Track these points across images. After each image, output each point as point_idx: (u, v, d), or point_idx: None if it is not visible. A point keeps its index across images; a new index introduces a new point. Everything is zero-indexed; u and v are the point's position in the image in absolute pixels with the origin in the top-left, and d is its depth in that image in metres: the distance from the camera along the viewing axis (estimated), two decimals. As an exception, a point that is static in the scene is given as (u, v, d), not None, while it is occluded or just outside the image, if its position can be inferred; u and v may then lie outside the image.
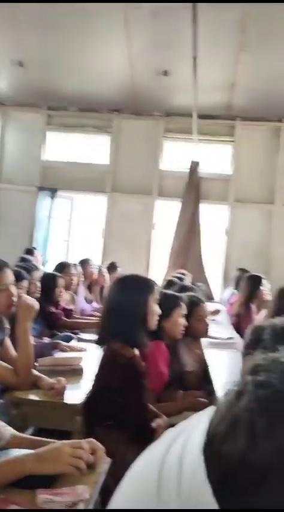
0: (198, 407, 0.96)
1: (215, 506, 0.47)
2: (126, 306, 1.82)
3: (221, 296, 5.98)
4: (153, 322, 1.88)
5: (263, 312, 3.54)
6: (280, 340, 0.56)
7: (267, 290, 3.93)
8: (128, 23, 5.08)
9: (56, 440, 1.16)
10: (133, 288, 1.88)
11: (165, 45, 5.38)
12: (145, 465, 0.93)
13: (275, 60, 5.35)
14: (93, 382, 1.82)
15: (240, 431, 0.43)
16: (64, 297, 3.59)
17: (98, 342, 1.90)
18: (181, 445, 0.94)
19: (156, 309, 1.89)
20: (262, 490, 0.42)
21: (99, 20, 5.07)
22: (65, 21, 5.11)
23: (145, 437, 1.52)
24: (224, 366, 2.58)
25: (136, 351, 1.83)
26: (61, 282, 3.41)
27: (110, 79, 6.05)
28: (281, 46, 5.14)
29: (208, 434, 0.48)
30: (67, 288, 3.78)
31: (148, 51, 5.55)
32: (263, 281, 3.98)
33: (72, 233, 7.13)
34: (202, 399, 2.16)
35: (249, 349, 0.93)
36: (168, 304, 2.21)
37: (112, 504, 0.89)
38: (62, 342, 2.73)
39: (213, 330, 3.16)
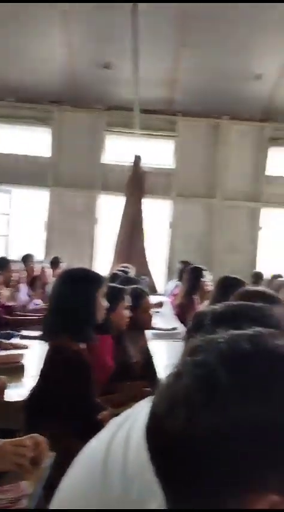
0: (143, 397, 0.97)
1: (157, 485, 0.48)
2: (74, 300, 1.80)
3: (165, 288, 6.10)
4: (101, 316, 1.88)
5: (206, 303, 3.66)
6: (219, 324, 0.58)
7: (208, 281, 4.06)
8: (67, 13, 4.96)
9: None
10: (82, 282, 1.86)
11: (105, 37, 5.33)
12: (91, 453, 0.93)
13: (215, 57, 5.51)
14: (38, 377, 1.79)
15: (179, 409, 0.45)
16: (4, 294, 3.47)
17: (43, 337, 1.86)
18: (127, 430, 0.94)
19: (104, 303, 1.88)
20: (202, 462, 0.43)
21: (37, 10, 4.91)
22: (1, 8, 4.89)
23: (91, 430, 1.51)
24: (168, 355, 2.64)
25: (83, 345, 1.82)
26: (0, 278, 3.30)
27: (49, 70, 5.90)
28: (220, 43, 5.29)
29: (149, 415, 0.49)
30: (7, 284, 3.66)
31: (89, 42, 5.48)
32: (205, 272, 4.11)
33: (12, 228, 6.89)
34: (147, 389, 2.19)
35: (190, 334, 0.96)
36: (113, 297, 2.21)
37: (59, 492, 0.88)
38: (2, 340, 2.64)
39: (157, 321, 3.21)
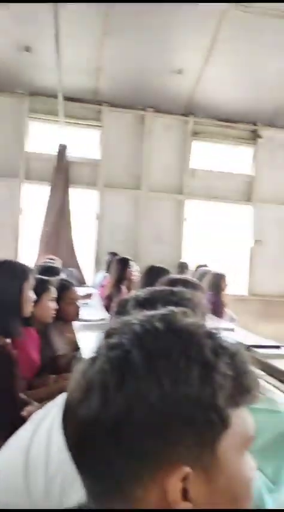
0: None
1: (78, 477, 0.48)
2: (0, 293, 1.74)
3: (94, 279, 6.07)
4: (28, 309, 1.86)
5: (133, 292, 3.71)
6: (141, 309, 0.59)
7: (135, 271, 4.12)
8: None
9: None
10: (7, 274, 1.82)
11: (25, 20, 5.10)
12: (11, 450, 0.89)
13: (138, 48, 5.53)
14: None
15: (94, 393, 0.44)
16: None
17: None
18: (49, 423, 0.92)
19: (31, 296, 1.85)
20: (116, 443, 0.43)
21: None
22: None
23: (15, 427, 1.46)
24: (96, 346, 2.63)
25: (8, 340, 1.76)
26: None
27: None
28: (143, 35, 5.32)
29: (64, 403, 0.48)
30: None
31: (7, 24, 5.20)
32: (131, 263, 4.16)
33: None
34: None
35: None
36: (37, 288, 2.15)
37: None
38: None
39: (85, 312, 3.19)
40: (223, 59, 5.62)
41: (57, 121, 6.13)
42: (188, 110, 6.66)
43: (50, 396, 2.01)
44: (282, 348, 2.71)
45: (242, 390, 0.46)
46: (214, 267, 5.04)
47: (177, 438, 0.43)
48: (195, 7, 4.81)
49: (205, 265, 5.37)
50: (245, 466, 0.47)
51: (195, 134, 6.84)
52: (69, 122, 6.25)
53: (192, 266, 5.73)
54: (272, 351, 2.60)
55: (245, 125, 6.88)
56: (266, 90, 6.13)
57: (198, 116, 6.73)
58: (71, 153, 6.40)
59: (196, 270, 5.22)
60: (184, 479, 0.43)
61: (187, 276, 3.58)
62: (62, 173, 6.34)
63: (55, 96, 5.77)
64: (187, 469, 0.43)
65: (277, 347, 2.70)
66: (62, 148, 6.33)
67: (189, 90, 6.26)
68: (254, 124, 6.89)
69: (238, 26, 5.09)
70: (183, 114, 6.71)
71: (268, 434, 0.95)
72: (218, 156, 7.00)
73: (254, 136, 6.98)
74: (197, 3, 4.68)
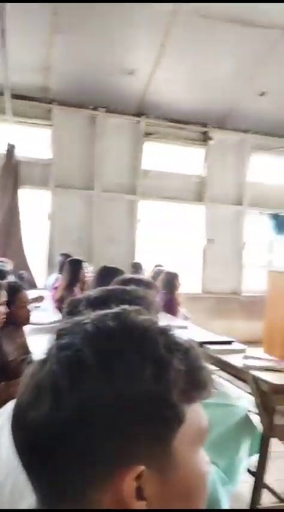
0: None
1: (28, 485, 0.45)
2: None
3: (46, 282, 5.94)
4: None
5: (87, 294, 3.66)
6: (93, 308, 0.57)
7: (89, 272, 4.08)
8: None
9: None
10: None
11: None
12: None
13: (89, 48, 5.48)
14: None
15: (44, 395, 0.42)
16: None
17: None
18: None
19: None
20: (68, 446, 0.42)
21: None
22: None
23: None
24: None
25: None
26: None
27: None
28: (94, 34, 5.28)
29: (13, 409, 0.46)
30: None
31: None
32: (84, 264, 4.11)
33: None
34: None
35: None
36: (-15, 292, 2.07)
37: None
38: None
39: (36, 316, 3.11)
40: (174, 60, 5.70)
41: (5, 119, 5.93)
42: (140, 111, 6.70)
43: (2, 403, 1.94)
44: (234, 343, 2.79)
45: (196, 385, 0.46)
46: (169, 267, 5.11)
47: (132, 437, 0.42)
48: (146, 7, 4.84)
49: (162, 266, 5.42)
50: (200, 460, 0.47)
51: (147, 135, 6.89)
52: (18, 121, 6.08)
53: (145, 266, 5.76)
54: (224, 347, 2.67)
55: (196, 126, 7.02)
56: (216, 93, 6.29)
57: (149, 117, 6.78)
58: (21, 153, 6.22)
59: (152, 270, 5.25)
60: (138, 477, 0.42)
61: (141, 276, 3.59)
62: (10, 173, 6.15)
63: (2, 94, 5.59)
64: (141, 468, 0.42)
65: (229, 342, 2.78)
66: (11, 148, 6.15)
67: (140, 90, 6.30)
68: (205, 126, 7.05)
69: (189, 28, 5.18)
70: (134, 115, 6.74)
71: (220, 428, 0.96)
72: (171, 157, 7.09)
73: (205, 138, 7.14)
74: (149, 3, 4.70)
